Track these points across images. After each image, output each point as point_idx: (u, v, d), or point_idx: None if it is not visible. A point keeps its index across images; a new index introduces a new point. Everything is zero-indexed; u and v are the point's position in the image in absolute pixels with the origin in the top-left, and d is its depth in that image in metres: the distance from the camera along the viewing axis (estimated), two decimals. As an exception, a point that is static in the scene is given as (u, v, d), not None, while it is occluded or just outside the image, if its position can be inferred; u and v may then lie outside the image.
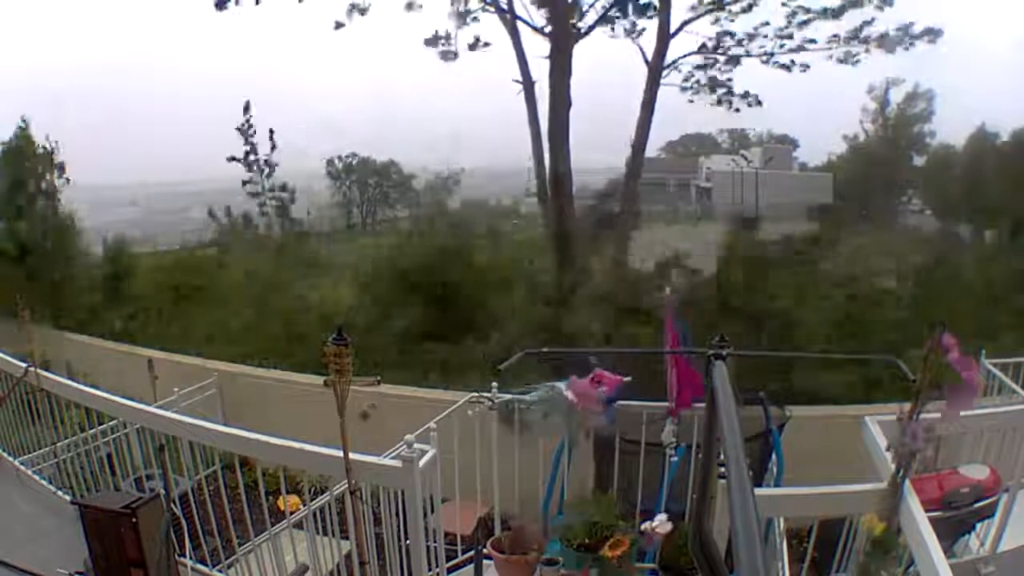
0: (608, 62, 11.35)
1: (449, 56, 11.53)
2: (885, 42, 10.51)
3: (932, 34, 10.35)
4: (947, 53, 10.50)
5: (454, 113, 12.36)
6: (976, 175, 11.29)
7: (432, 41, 11.47)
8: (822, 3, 10.55)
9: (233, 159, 11.66)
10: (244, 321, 9.44)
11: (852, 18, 10.55)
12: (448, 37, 11.46)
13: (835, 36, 10.69)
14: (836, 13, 10.53)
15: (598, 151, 12.33)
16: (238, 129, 11.51)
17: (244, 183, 11.78)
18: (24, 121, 10.26)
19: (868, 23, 10.47)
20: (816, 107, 12.04)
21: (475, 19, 11.39)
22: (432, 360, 8.30)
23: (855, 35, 10.61)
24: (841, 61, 10.75)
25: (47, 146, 10.33)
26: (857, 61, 10.71)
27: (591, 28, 11.23)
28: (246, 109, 11.52)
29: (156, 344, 8.28)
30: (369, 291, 9.93)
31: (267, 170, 11.77)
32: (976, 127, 11.49)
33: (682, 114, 11.80)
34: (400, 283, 9.39)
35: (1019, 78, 10.36)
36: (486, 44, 11.42)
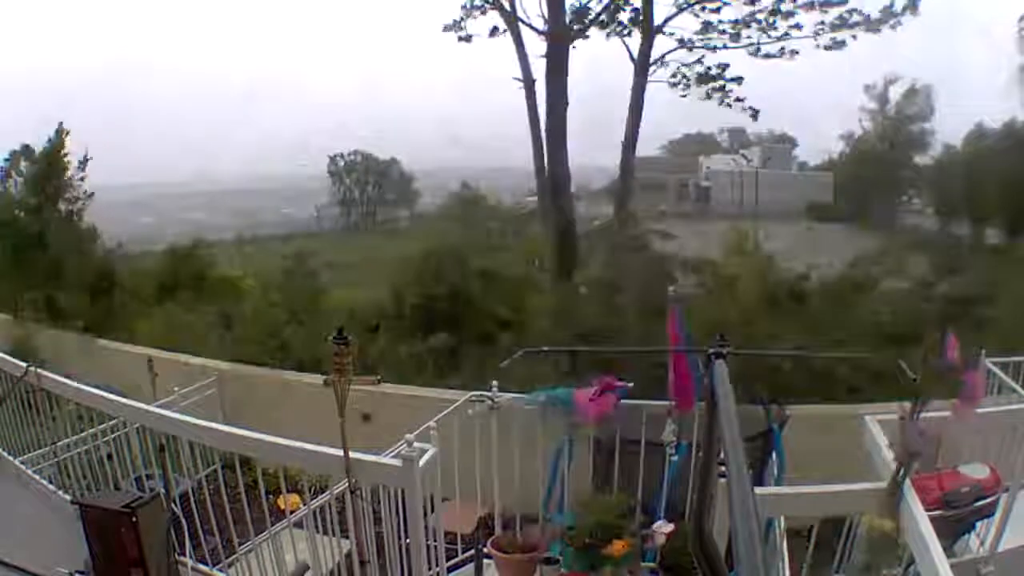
0: (603, 61, 11.36)
1: (464, 39, 11.53)
2: (871, 24, 10.59)
3: (912, 5, 10.45)
4: (946, 50, 10.55)
5: (449, 112, 12.37)
6: (975, 173, 11.29)
7: (450, 27, 11.54)
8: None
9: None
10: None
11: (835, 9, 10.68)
12: (462, 21, 11.47)
13: (821, 23, 10.75)
14: (823, 4, 10.61)
15: (596, 150, 12.34)
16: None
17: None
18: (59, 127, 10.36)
19: (853, 10, 10.58)
20: (815, 106, 12.03)
21: (483, 12, 11.38)
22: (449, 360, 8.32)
23: (842, 22, 10.68)
24: (828, 48, 10.81)
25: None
26: (843, 45, 10.78)
27: (587, 28, 11.24)
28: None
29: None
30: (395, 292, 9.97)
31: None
32: (974, 124, 11.52)
33: (684, 113, 11.82)
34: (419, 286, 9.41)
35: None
36: (468, 38, 11.43)
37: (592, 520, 3.08)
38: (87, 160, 10.46)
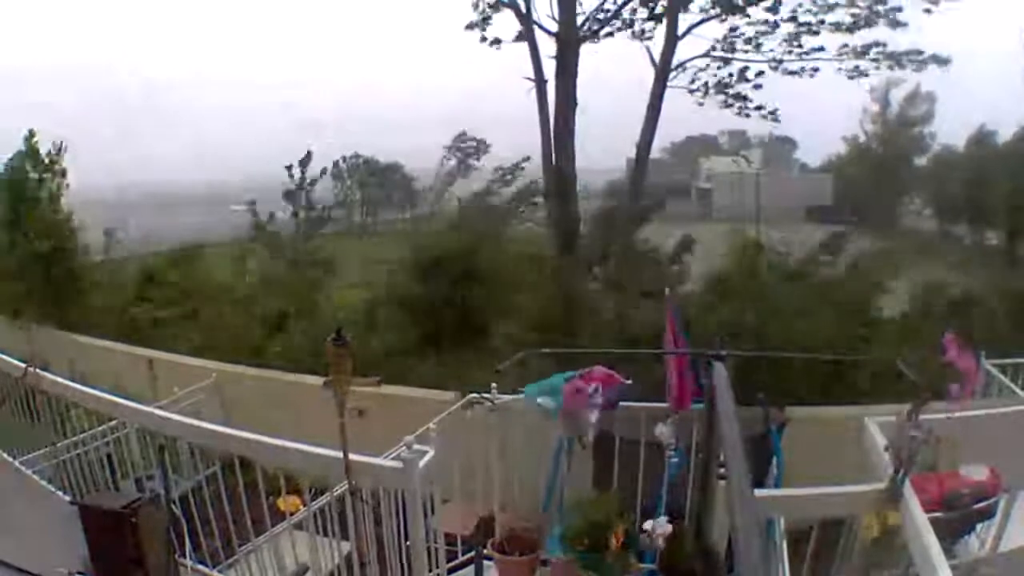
0: (615, 63, 11.38)
1: (494, 43, 11.58)
2: (897, 62, 10.60)
3: (941, 62, 10.48)
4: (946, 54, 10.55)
5: (458, 112, 12.38)
6: (978, 175, 11.27)
7: (472, 26, 11.61)
8: (833, 17, 10.62)
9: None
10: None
11: (863, 34, 10.67)
12: (485, 20, 11.49)
13: (845, 46, 10.71)
14: (849, 28, 10.57)
15: (603, 152, 12.35)
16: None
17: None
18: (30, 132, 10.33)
19: (879, 44, 10.55)
20: (817, 108, 12.05)
21: (497, 9, 11.41)
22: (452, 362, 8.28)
23: (865, 51, 10.64)
24: (850, 76, 10.81)
25: (53, 150, 10.37)
26: (865, 75, 10.80)
27: (599, 29, 11.25)
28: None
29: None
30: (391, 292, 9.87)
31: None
32: (977, 127, 11.50)
33: (685, 115, 11.84)
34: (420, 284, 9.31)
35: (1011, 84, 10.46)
36: (497, 41, 11.47)
37: (590, 520, 3.07)
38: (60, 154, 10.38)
